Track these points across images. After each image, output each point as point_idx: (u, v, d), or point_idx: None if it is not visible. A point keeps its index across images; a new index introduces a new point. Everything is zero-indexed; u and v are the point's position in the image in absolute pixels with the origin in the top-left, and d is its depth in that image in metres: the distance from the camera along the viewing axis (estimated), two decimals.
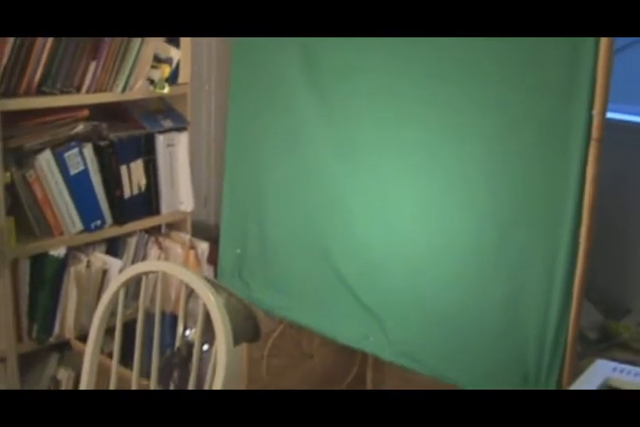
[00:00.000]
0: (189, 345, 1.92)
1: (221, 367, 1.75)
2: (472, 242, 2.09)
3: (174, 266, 2.00)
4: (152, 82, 2.65)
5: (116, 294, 1.96)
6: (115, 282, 1.98)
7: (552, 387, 1.98)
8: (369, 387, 2.86)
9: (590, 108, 1.80)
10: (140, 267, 2.00)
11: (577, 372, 1.88)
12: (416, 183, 2.18)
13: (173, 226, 2.94)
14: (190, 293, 1.92)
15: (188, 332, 1.97)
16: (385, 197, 2.25)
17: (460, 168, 2.08)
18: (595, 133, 1.81)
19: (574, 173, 1.85)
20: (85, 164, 2.54)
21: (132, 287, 2.56)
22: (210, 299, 1.81)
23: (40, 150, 2.43)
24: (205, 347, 1.96)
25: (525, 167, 1.97)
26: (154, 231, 2.87)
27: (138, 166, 2.70)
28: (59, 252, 2.49)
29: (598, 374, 1.74)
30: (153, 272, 1.96)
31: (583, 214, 1.86)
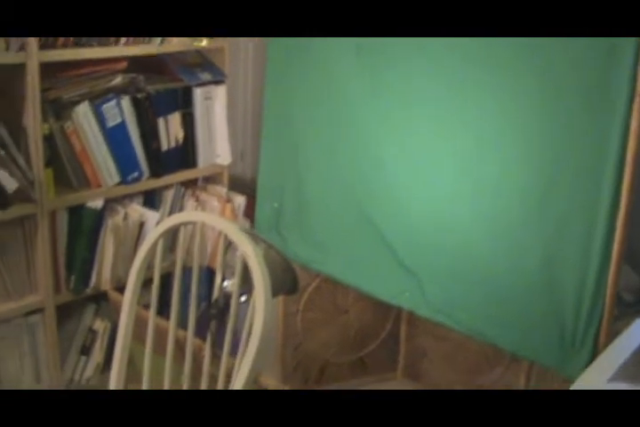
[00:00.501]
0: (227, 296, 1.93)
1: (259, 319, 1.75)
2: (513, 201, 2.07)
3: (214, 217, 2.01)
4: None
5: (154, 245, 1.96)
6: (155, 231, 1.99)
7: (589, 347, 1.97)
8: (402, 343, 2.87)
9: (636, 63, 1.76)
10: (180, 217, 2.00)
11: (612, 333, 1.86)
12: (457, 141, 2.15)
13: (210, 179, 2.94)
14: (229, 244, 1.92)
15: (225, 283, 1.97)
16: (423, 154, 2.22)
17: (502, 124, 2.05)
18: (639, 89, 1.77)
19: (617, 128, 1.82)
20: (123, 116, 2.54)
21: (168, 241, 2.57)
22: (249, 250, 1.81)
23: (78, 102, 2.43)
24: (243, 298, 1.96)
25: (567, 122, 1.93)
26: (190, 184, 2.88)
27: (175, 119, 2.69)
28: (96, 204, 2.50)
29: (638, 334, 1.73)
30: (192, 222, 1.96)
31: (625, 172, 1.83)
